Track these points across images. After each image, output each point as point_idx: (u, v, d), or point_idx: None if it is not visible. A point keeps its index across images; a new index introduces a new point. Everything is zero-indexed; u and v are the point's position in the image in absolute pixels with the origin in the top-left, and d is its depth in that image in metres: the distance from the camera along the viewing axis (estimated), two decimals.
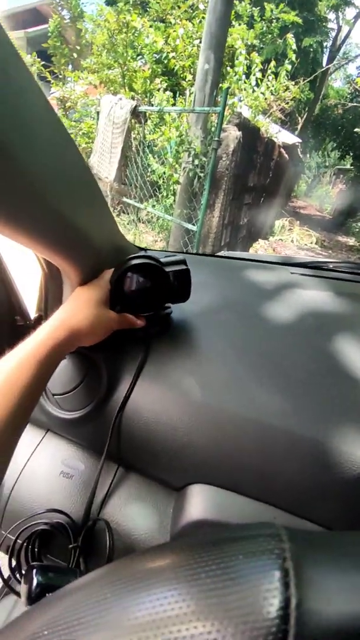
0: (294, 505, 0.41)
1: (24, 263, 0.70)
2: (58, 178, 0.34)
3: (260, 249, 5.64)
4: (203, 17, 3.96)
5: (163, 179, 3.65)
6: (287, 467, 0.41)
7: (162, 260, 0.51)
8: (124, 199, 4.24)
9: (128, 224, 4.53)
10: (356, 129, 8.36)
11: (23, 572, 0.45)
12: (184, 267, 0.53)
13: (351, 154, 11.26)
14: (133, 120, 3.72)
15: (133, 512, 0.48)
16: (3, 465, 0.33)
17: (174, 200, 3.58)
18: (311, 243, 6.61)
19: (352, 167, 11.68)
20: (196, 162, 3.04)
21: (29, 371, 0.35)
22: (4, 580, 0.44)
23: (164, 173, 3.54)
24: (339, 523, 0.40)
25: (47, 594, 0.30)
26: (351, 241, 8.24)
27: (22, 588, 0.32)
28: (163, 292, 0.52)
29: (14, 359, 0.36)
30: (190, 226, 3.15)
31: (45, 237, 0.37)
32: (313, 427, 0.42)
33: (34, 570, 0.32)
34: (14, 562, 0.46)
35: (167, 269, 0.51)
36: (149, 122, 3.72)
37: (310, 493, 0.40)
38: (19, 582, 0.44)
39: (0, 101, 0.25)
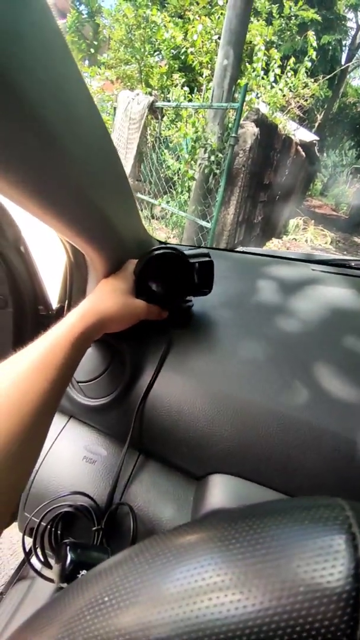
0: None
1: (47, 254, 0.71)
2: (95, 167, 0.35)
3: (273, 248, 5.60)
4: (222, 13, 3.94)
5: (178, 175, 3.64)
6: (309, 459, 0.41)
7: (185, 252, 0.52)
8: (138, 195, 4.26)
9: (142, 220, 4.53)
10: None
11: (47, 552, 0.47)
12: (208, 259, 0.53)
13: None
14: (150, 116, 3.72)
15: (155, 499, 0.48)
16: (40, 443, 0.34)
17: (189, 197, 3.58)
18: (326, 243, 6.53)
19: None
20: (212, 158, 3.02)
21: (62, 352, 0.36)
22: (28, 560, 0.45)
23: (179, 169, 3.53)
24: None
25: (80, 572, 0.31)
26: None
27: (55, 566, 0.33)
28: (186, 284, 0.53)
29: (49, 340, 0.36)
30: (204, 223, 3.15)
31: (78, 224, 0.38)
32: (336, 420, 0.42)
33: (67, 547, 0.33)
34: (28, 543, 0.47)
35: (192, 260, 0.52)
36: (165, 118, 3.71)
37: (332, 486, 0.41)
38: (42, 563, 0.46)
39: (57, 96, 0.25)
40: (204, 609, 0.14)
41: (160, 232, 4.53)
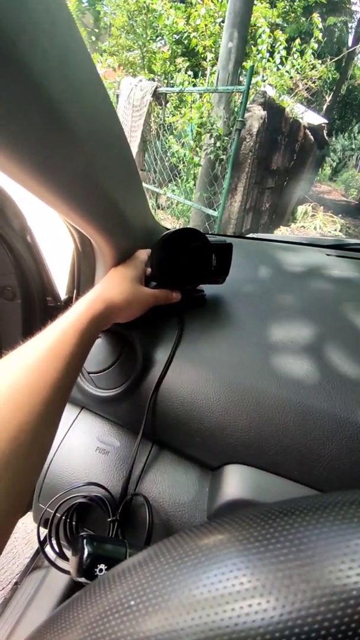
0: (336, 489, 0.40)
1: (55, 245, 0.70)
2: (103, 149, 0.34)
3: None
4: None
5: (183, 162, 3.59)
6: (329, 450, 0.40)
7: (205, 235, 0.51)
8: (143, 185, 4.22)
9: None
10: None
11: (62, 542, 0.46)
12: (226, 242, 0.53)
13: None
14: (153, 103, 3.66)
15: (169, 489, 0.48)
16: (52, 434, 0.33)
17: (194, 185, 3.53)
18: (335, 230, 6.40)
19: None
20: (218, 143, 2.97)
21: (72, 340, 0.36)
22: (43, 551, 0.45)
23: (185, 156, 3.48)
24: None
25: (97, 565, 0.30)
26: None
27: (71, 559, 0.33)
28: (204, 267, 0.52)
29: (58, 329, 0.36)
30: (210, 211, 3.10)
31: (87, 209, 0.37)
32: (357, 409, 0.41)
33: (84, 540, 0.32)
34: (42, 534, 0.47)
35: (212, 242, 0.51)
36: (169, 104, 3.64)
37: (353, 477, 0.39)
38: (57, 554, 0.46)
39: (63, 69, 0.25)
40: (242, 616, 0.13)
41: (166, 222, 4.49)
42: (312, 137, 5.91)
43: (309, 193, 8.41)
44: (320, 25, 4.58)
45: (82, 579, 0.31)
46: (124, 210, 0.42)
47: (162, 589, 0.16)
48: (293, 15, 6.38)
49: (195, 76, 3.94)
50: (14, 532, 0.52)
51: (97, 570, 0.30)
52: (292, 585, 0.13)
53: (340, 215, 7.27)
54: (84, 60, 0.28)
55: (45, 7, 0.22)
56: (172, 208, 4.30)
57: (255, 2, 4.04)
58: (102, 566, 0.31)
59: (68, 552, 0.43)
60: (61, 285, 0.68)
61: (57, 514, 0.46)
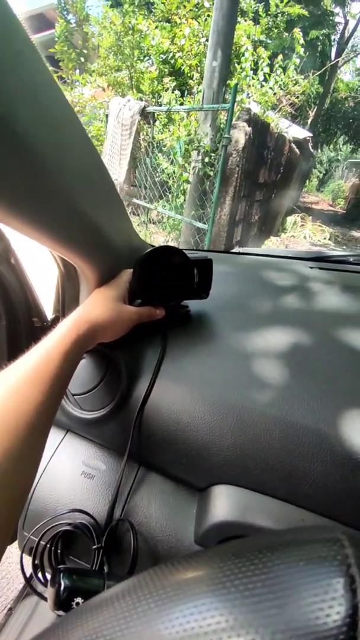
0: (323, 507, 0.40)
1: (40, 264, 0.70)
2: (80, 177, 0.34)
3: (272, 246, 5.58)
4: (209, 15, 3.94)
5: (173, 178, 3.64)
6: (314, 467, 0.40)
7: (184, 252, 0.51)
8: (134, 200, 4.26)
9: (139, 225, 4.54)
10: None
11: (47, 574, 0.45)
12: (206, 257, 0.53)
13: None
14: (142, 122, 3.73)
15: (156, 513, 0.47)
16: (36, 460, 0.33)
17: (184, 200, 3.57)
18: (324, 239, 6.51)
19: None
20: (206, 159, 3.02)
21: (56, 362, 0.35)
22: (27, 581, 0.44)
23: (174, 172, 3.53)
24: None
25: (74, 599, 0.30)
26: None
27: (49, 591, 0.32)
28: (186, 284, 0.52)
29: (41, 351, 0.36)
30: (201, 225, 3.14)
31: (65, 237, 0.37)
32: (342, 425, 0.41)
33: (61, 574, 0.31)
34: (28, 562, 0.45)
35: (191, 258, 0.51)
36: (157, 122, 3.72)
37: (339, 494, 0.39)
38: (42, 583, 0.44)
39: (29, 101, 0.25)
40: None
41: (158, 236, 4.53)
42: (297, 151, 6.06)
43: (297, 204, 8.57)
44: (301, 41, 4.73)
45: (60, 612, 0.30)
46: (106, 233, 0.43)
47: (136, 624, 0.15)
48: (276, 31, 6.59)
49: (182, 95, 4.03)
50: (8, 557, 0.51)
51: (74, 603, 0.30)
52: (269, 625, 0.13)
53: (331, 224, 7.40)
54: (52, 92, 0.28)
55: (7, 46, 0.22)
56: (164, 222, 4.34)
57: (238, 19, 4.19)
58: (79, 599, 0.30)
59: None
60: (48, 305, 0.67)
61: (41, 541, 0.45)
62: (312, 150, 8.71)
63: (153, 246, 0.72)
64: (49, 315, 0.67)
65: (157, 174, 3.77)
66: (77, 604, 0.29)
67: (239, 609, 0.14)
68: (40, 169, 0.28)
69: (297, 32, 4.83)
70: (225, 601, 0.14)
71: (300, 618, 0.13)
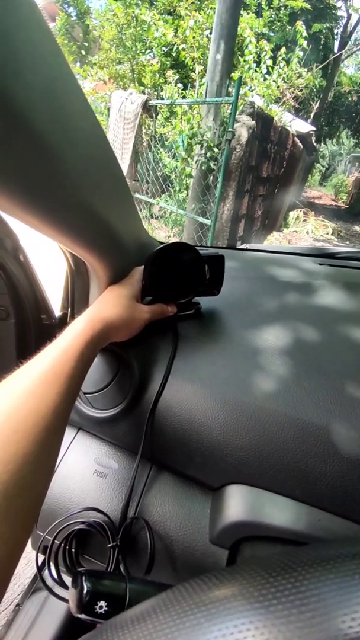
0: (339, 508, 0.39)
1: (47, 262, 0.70)
2: (92, 173, 0.33)
3: (275, 241, 5.56)
4: (211, 8, 3.89)
5: (175, 173, 3.62)
6: (331, 467, 0.39)
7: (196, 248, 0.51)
8: (136, 195, 4.24)
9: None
10: None
11: (62, 573, 0.45)
12: (218, 253, 0.53)
13: None
14: (144, 115, 3.70)
15: (170, 512, 0.47)
16: (53, 461, 0.32)
17: (187, 195, 3.55)
18: (327, 234, 6.47)
19: None
20: (209, 154, 3.00)
21: (72, 361, 0.35)
22: (44, 582, 0.44)
23: (176, 167, 3.51)
24: None
25: (97, 602, 0.29)
26: None
27: (71, 595, 0.32)
28: (197, 280, 0.52)
29: (57, 350, 0.35)
30: (204, 220, 3.12)
31: (78, 233, 0.37)
32: (358, 425, 0.40)
33: (83, 577, 0.31)
34: (41, 559, 0.45)
35: (202, 254, 0.51)
36: (159, 116, 3.68)
37: (356, 495, 0.39)
38: (56, 581, 0.44)
39: (48, 96, 0.24)
40: None
41: (160, 231, 4.51)
42: (300, 145, 6.01)
43: (300, 199, 8.51)
44: (304, 33, 4.67)
45: (82, 616, 0.30)
46: (116, 230, 0.42)
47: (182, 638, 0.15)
48: (279, 24, 6.51)
49: (185, 88, 4.00)
50: None
51: (97, 607, 0.30)
52: None
53: (334, 219, 7.36)
54: (71, 88, 0.27)
55: (27, 38, 0.22)
56: (166, 218, 4.32)
57: (241, 12, 4.13)
58: (102, 603, 0.30)
59: (68, 579, 0.41)
60: (55, 302, 0.67)
61: (56, 541, 0.45)
62: (315, 144, 8.64)
63: (162, 243, 0.72)
64: (57, 312, 0.67)
65: (160, 169, 3.75)
66: (101, 607, 0.29)
67: (282, 633, 0.13)
68: (56, 165, 0.27)
69: (300, 24, 4.77)
70: (266, 624, 0.14)
71: (333, 634, 0.12)
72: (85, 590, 0.30)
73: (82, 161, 0.31)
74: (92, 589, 0.30)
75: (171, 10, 4.86)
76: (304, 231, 6.35)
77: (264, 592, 0.15)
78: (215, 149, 2.96)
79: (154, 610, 0.17)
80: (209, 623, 0.15)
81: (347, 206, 10.87)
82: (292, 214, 6.71)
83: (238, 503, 0.43)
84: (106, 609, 0.29)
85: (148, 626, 0.16)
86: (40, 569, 0.45)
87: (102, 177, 0.36)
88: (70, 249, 0.41)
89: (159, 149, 3.68)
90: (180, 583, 0.18)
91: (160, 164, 3.71)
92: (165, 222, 4.39)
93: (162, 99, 3.65)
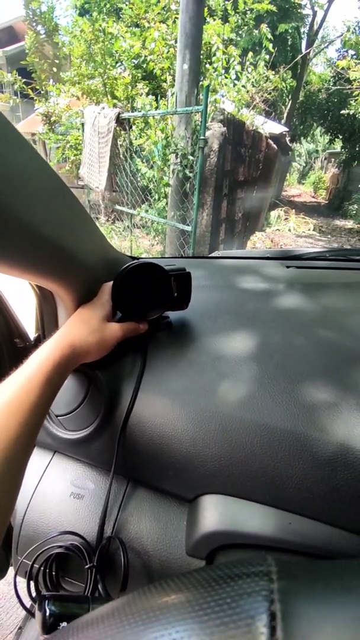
0: (307, 510, 0.40)
1: (19, 285, 0.70)
2: (37, 204, 0.34)
3: (258, 241, 5.62)
4: (176, 18, 3.96)
5: (153, 182, 3.65)
6: (297, 470, 0.40)
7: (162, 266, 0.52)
8: (117, 207, 4.25)
9: (124, 230, 4.54)
10: (342, 111, 8.28)
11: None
12: (184, 271, 0.54)
13: (340, 136, 11.17)
14: (118, 128, 3.73)
15: (146, 528, 0.47)
16: (17, 487, 0.33)
17: (166, 203, 3.58)
18: (309, 230, 6.57)
19: (342, 149, 11.57)
20: (184, 162, 3.03)
21: (36, 389, 0.35)
22: (22, 605, 0.44)
23: (154, 177, 3.54)
24: (353, 524, 0.39)
25: (60, 624, 0.30)
26: (349, 224, 8.18)
27: (37, 617, 0.32)
28: (165, 296, 0.53)
29: (21, 379, 0.35)
30: (184, 227, 3.15)
31: (32, 264, 0.37)
32: (321, 426, 0.41)
33: (46, 601, 0.32)
34: (32, 585, 0.46)
35: (169, 270, 0.52)
36: (134, 127, 3.72)
37: (322, 496, 0.39)
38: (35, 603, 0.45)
39: None
40: None
41: (144, 240, 4.53)
42: (275, 146, 6.11)
43: (280, 198, 8.63)
44: (269, 36, 4.77)
45: (48, 636, 0.31)
46: (75, 254, 0.42)
47: None
48: (245, 28, 6.62)
49: (157, 98, 4.04)
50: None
51: (60, 627, 0.30)
52: None
53: (315, 215, 7.47)
54: (7, 130, 0.28)
55: None
56: (148, 227, 4.34)
57: (207, 19, 4.21)
58: (65, 624, 0.31)
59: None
60: (29, 325, 0.67)
61: (35, 564, 0.46)
62: (289, 144, 8.79)
63: (131, 257, 0.73)
64: (32, 335, 0.67)
65: (138, 179, 3.78)
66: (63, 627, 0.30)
67: (210, 637, 0.14)
68: None
69: (264, 27, 4.88)
70: (195, 628, 0.15)
71: None
72: (48, 613, 0.31)
73: (24, 194, 0.31)
74: (55, 612, 0.31)
75: (137, 22, 4.93)
76: (286, 229, 6.44)
77: (188, 603, 0.16)
78: (190, 157, 3.00)
79: (106, 614, 0.18)
80: (153, 624, 0.15)
81: (326, 201, 11.06)
82: (274, 214, 6.80)
83: (211, 513, 0.44)
84: (64, 627, 0.30)
85: (94, 632, 0.17)
86: (19, 596, 0.46)
87: (49, 206, 0.36)
88: (28, 280, 0.41)
89: (135, 160, 3.71)
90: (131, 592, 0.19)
91: (138, 175, 3.74)
92: (147, 232, 4.41)
93: (136, 110, 3.69)
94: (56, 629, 0.30)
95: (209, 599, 0.15)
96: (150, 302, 0.53)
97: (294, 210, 7.42)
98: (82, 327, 0.44)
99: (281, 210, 6.99)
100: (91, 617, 0.19)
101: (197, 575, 0.18)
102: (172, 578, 0.19)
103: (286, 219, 6.80)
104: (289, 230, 6.40)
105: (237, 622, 0.14)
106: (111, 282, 0.50)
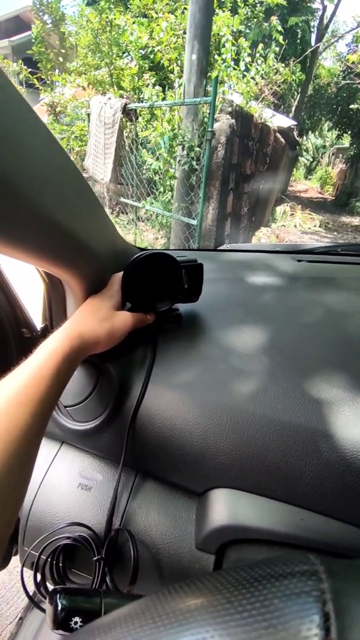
0: (320, 505, 0.40)
1: (26, 274, 0.69)
2: (50, 189, 0.33)
3: (263, 237, 5.58)
4: (185, 8, 3.90)
5: (159, 175, 3.62)
6: (310, 466, 0.40)
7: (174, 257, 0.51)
8: (122, 199, 4.23)
9: (128, 223, 4.52)
10: (352, 106, 8.17)
11: (48, 589, 0.45)
12: (196, 262, 0.53)
13: (349, 132, 11.04)
14: (124, 119, 3.69)
15: (155, 521, 0.47)
16: (25, 482, 0.32)
17: (172, 196, 3.55)
18: (315, 226, 6.52)
19: (350, 145, 11.43)
20: (191, 154, 3.00)
21: (47, 380, 0.34)
22: (29, 597, 0.44)
23: (160, 169, 3.50)
24: None
25: (72, 618, 0.30)
26: (356, 221, 8.10)
27: (47, 611, 0.32)
28: (175, 288, 0.52)
29: (31, 369, 0.34)
30: (190, 221, 3.12)
31: (43, 251, 0.36)
32: (335, 422, 0.40)
33: (58, 594, 0.31)
34: (39, 577, 0.45)
35: (181, 261, 0.51)
36: (140, 119, 3.68)
37: (336, 492, 0.39)
38: (44, 598, 0.44)
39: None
40: None
41: (148, 234, 4.51)
42: (283, 140, 6.04)
43: (286, 193, 8.56)
44: (279, 28, 4.70)
45: (60, 631, 0.30)
46: (86, 243, 0.42)
47: None
48: (255, 20, 6.53)
49: (164, 89, 3.99)
50: (16, 567, 0.51)
51: (72, 622, 0.30)
52: None
53: (321, 211, 7.41)
54: (17, 104, 0.27)
55: None
56: (153, 220, 4.32)
57: (216, 11, 4.14)
58: (77, 619, 0.30)
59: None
60: (37, 315, 0.67)
61: (42, 556, 0.45)
62: (297, 138, 8.70)
63: (140, 248, 0.72)
64: (39, 325, 0.67)
65: (143, 171, 3.74)
66: (76, 622, 0.30)
67: (237, 635, 0.14)
68: (8, 186, 0.27)
69: (274, 19, 4.81)
70: (222, 629, 0.14)
71: None
72: (59, 607, 0.31)
73: (37, 178, 0.30)
74: (67, 606, 0.31)
75: (145, 12, 4.86)
76: (292, 225, 6.39)
77: (227, 604, 0.15)
78: (197, 149, 2.97)
79: (129, 616, 0.17)
80: (180, 626, 0.15)
81: (333, 198, 10.97)
82: (279, 209, 6.74)
83: (222, 507, 0.43)
84: (81, 624, 0.30)
85: (123, 629, 0.16)
86: (32, 594, 0.45)
87: (62, 192, 0.36)
88: (39, 267, 0.40)
89: (141, 152, 3.67)
90: (150, 594, 0.18)
91: (144, 167, 3.71)
92: (152, 225, 4.39)
93: (142, 101, 3.65)
94: (68, 624, 0.30)
95: (253, 599, 0.15)
96: (160, 293, 0.52)
97: (300, 205, 7.36)
98: (91, 317, 0.43)
99: (287, 205, 6.93)
100: (117, 616, 0.18)
101: (234, 574, 0.17)
102: (204, 576, 0.18)
103: (292, 214, 6.75)
104: (295, 226, 6.35)
105: (284, 624, 0.13)
106: (121, 273, 0.49)
